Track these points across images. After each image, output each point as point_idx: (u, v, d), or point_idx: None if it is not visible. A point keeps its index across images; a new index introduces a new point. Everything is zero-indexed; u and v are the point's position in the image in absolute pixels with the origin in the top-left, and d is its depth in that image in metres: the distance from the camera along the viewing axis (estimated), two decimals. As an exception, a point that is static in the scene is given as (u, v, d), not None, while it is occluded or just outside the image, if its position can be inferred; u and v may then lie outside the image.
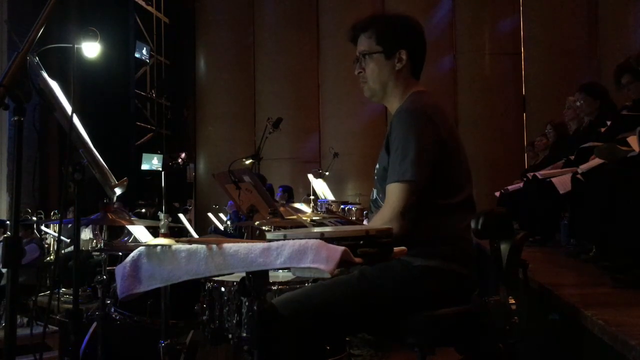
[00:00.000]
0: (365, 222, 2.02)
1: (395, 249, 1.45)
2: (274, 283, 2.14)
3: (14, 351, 1.36)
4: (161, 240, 1.61)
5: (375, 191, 1.99)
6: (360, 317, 1.79)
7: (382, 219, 1.77)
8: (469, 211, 1.90)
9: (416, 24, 2.02)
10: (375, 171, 1.98)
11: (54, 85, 1.98)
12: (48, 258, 7.81)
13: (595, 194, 3.05)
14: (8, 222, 6.76)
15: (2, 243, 5.71)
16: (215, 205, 9.25)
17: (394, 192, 1.78)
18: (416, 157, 1.77)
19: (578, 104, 4.48)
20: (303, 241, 1.34)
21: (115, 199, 2.35)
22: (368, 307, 1.77)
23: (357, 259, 1.34)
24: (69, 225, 5.36)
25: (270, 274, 1.92)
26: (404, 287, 1.77)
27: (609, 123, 3.73)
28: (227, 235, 7.01)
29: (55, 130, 9.33)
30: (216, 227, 7.84)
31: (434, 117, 1.85)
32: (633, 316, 1.94)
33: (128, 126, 10.74)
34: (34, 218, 7.88)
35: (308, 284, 2.03)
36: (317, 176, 6.39)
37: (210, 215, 8.31)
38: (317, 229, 1.58)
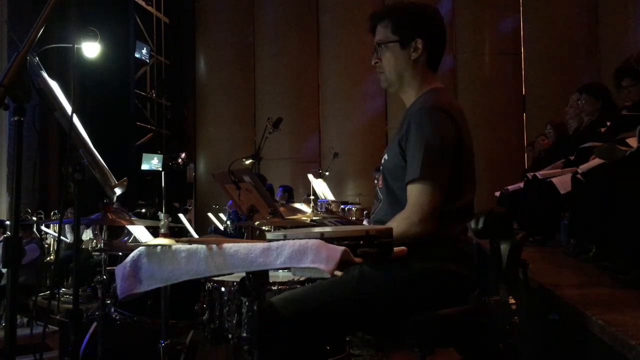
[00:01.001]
0: (365, 222, 2.01)
1: (395, 249, 1.45)
2: (274, 283, 2.14)
3: (14, 351, 1.36)
4: (161, 240, 1.61)
5: (380, 182, 1.96)
6: (360, 317, 1.78)
7: (408, 219, 1.73)
8: (467, 216, 1.89)
9: (433, 12, 1.98)
10: (383, 162, 1.95)
11: (54, 85, 1.98)
12: (48, 258, 7.82)
13: (595, 194, 3.05)
14: (8, 222, 6.76)
15: (2, 243, 5.71)
16: (215, 205, 9.24)
17: (420, 192, 1.74)
18: (441, 155, 1.76)
19: (579, 103, 4.48)
20: (303, 241, 1.34)
21: (115, 199, 2.35)
22: (367, 307, 1.77)
23: (357, 259, 1.34)
24: (70, 225, 5.36)
25: (270, 274, 1.92)
26: (403, 288, 1.76)
27: (608, 123, 3.73)
28: (227, 235, 7.01)
29: (55, 130, 9.34)
30: (216, 227, 7.83)
31: (457, 117, 1.85)
32: (633, 316, 1.94)
33: (128, 126, 10.74)
34: (34, 218, 7.88)
35: (308, 284, 2.02)
36: (317, 176, 6.38)
37: (210, 215, 8.30)
38: (317, 229, 1.58)
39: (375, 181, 2.03)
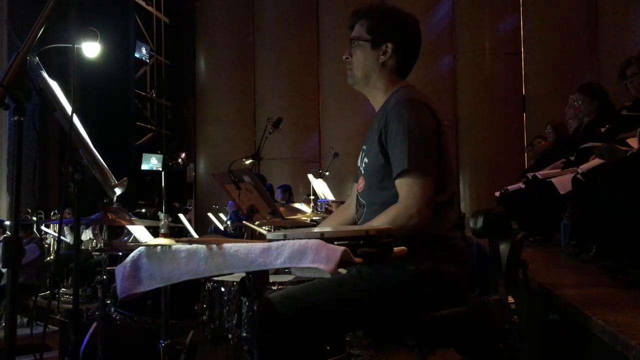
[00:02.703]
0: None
1: (396, 249, 1.45)
2: (274, 283, 2.14)
3: (14, 351, 1.36)
4: (161, 240, 1.61)
5: (361, 186, 1.96)
6: (357, 317, 1.78)
7: (404, 211, 1.72)
8: (454, 209, 1.90)
9: (410, 21, 2.00)
10: (364, 166, 1.95)
11: (54, 85, 1.98)
12: (48, 258, 7.82)
13: (595, 194, 3.05)
14: (8, 222, 6.77)
15: (2, 243, 5.71)
16: (215, 205, 9.24)
17: (412, 184, 1.74)
18: (425, 145, 1.78)
19: (576, 104, 4.49)
20: (303, 241, 1.34)
21: (115, 199, 2.35)
22: (365, 308, 1.77)
23: (357, 259, 1.34)
24: (69, 226, 5.36)
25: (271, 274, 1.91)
26: (400, 289, 1.76)
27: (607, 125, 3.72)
28: (227, 235, 7.01)
29: (55, 130, 9.34)
30: (216, 227, 7.84)
31: (434, 111, 1.87)
32: (633, 316, 1.94)
33: (128, 126, 10.74)
34: (34, 218, 7.89)
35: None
36: (317, 176, 6.37)
37: (210, 215, 8.31)
38: (317, 229, 1.58)
39: (357, 186, 2.02)
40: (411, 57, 2.00)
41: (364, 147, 1.99)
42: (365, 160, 1.95)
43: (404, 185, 1.76)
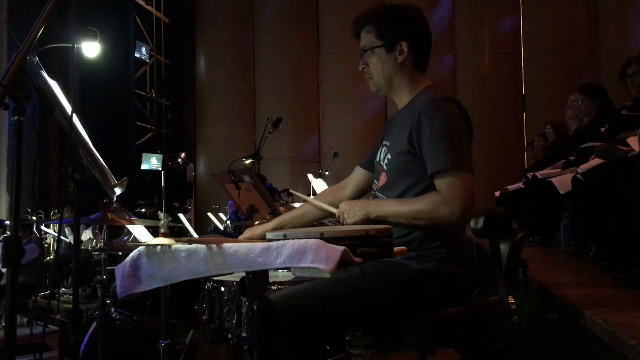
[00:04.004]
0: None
1: (396, 249, 1.45)
2: (274, 283, 2.14)
3: (14, 351, 1.36)
4: (161, 240, 1.61)
5: (382, 181, 1.94)
6: (358, 316, 1.78)
7: (449, 206, 1.69)
8: None
9: (416, 14, 1.97)
10: (387, 162, 1.92)
11: (54, 85, 1.98)
12: (48, 258, 7.82)
13: (595, 194, 3.06)
14: (8, 222, 6.77)
15: (2, 243, 5.71)
16: (215, 205, 9.25)
17: (454, 181, 1.72)
18: (463, 144, 1.78)
19: (576, 104, 4.49)
20: (303, 241, 1.34)
21: (115, 199, 2.35)
22: (366, 307, 1.76)
23: (357, 259, 1.34)
24: (70, 225, 5.36)
25: (270, 273, 1.92)
26: (403, 290, 1.76)
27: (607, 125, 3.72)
28: (227, 235, 7.01)
29: (55, 130, 9.35)
30: (216, 227, 7.84)
31: (464, 112, 1.88)
32: (633, 316, 1.94)
33: (128, 126, 10.75)
34: (34, 218, 7.89)
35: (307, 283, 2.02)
36: (317, 176, 6.38)
37: (210, 215, 8.31)
38: (317, 229, 1.58)
39: (375, 181, 2.01)
40: (426, 49, 1.98)
41: (386, 143, 1.96)
42: (389, 156, 1.92)
43: (446, 183, 1.74)
